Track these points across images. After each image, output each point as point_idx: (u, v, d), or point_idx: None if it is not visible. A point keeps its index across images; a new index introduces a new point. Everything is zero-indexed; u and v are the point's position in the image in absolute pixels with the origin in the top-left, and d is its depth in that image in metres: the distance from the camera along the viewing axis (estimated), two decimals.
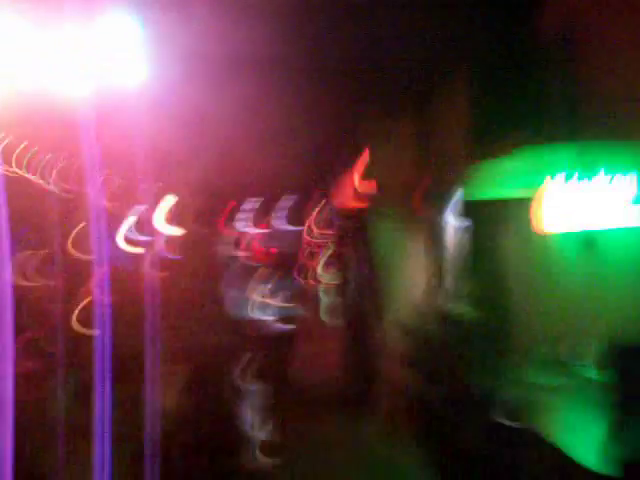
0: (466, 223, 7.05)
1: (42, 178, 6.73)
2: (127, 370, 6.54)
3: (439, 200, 7.08)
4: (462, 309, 6.74)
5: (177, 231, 11.06)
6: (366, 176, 8.59)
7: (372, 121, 8.45)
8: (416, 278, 8.15)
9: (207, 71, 6.80)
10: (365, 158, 8.62)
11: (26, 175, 6.69)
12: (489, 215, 6.69)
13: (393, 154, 8.35)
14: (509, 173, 5.55)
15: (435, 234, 7.81)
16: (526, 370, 6.08)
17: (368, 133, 8.48)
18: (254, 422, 7.65)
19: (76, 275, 7.24)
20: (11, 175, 6.55)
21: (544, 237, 6.07)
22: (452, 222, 7.41)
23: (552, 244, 6.25)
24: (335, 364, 10.06)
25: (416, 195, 7.52)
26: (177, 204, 10.92)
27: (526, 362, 6.37)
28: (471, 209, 6.81)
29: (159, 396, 7.13)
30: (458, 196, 6.55)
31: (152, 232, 12.03)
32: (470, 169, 6.07)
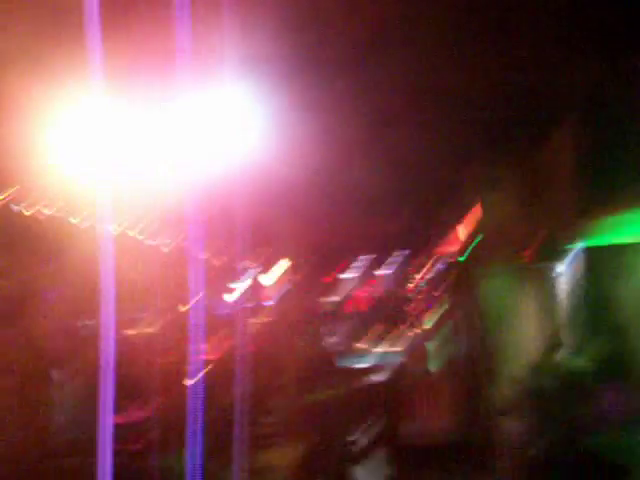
0: (581, 272, 6.82)
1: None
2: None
3: (552, 250, 6.90)
4: (579, 362, 6.48)
5: (288, 291, 11.34)
6: (477, 228, 8.50)
7: (482, 172, 8.39)
8: (529, 330, 7.91)
9: (315, 137, 6.98)
10: (475, 210, 8.55)
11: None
12: (606, 263, 6.46)
13: (504, 205, 8.23)
14: (626, 220, 5.35)
15: (549, 285, 7.60)
16: None
17: (478, 185, 8.42)
18: (360, 476, 7.57)
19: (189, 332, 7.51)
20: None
21: None
22: (566, 272, 7.19)
23: None
24: (446, 417, 9.86)
25: (528, 246, 7.36)
26: (290, 266, 11.22)
27: None
28: (586, 258, 6.59)
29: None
30: (572, 245, 6.36)
31: (264, 293, 12.41)
32: (585, 218, 5.90)
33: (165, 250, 4.50)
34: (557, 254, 7.00)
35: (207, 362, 7.14)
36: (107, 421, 3.21)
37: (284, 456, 7.05)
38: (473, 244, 8.76)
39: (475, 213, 8.63)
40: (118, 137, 5.14)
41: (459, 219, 9.20)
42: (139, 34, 4.93)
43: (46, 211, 5.90)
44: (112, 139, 4.83)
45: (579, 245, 6.40)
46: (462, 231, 9.10)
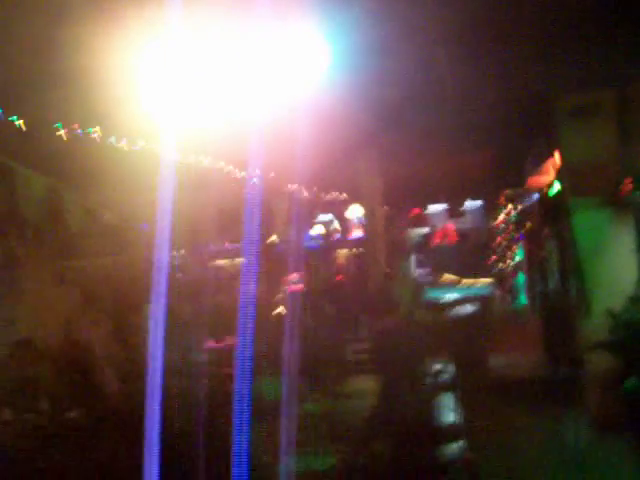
0: None
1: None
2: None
3: None
4: None
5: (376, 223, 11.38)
6: (570, 159, 8.19)
7: (577, 100, 8.02)
8: (624, 265, 7.66)
9: (396, 75, 6.85)
10: (569, 141, 8.21)
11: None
12: None
13: (599, 135, 7.87)
14: None
15: None
16: None
17: (572, 113, 8.06)
18: (445, 408, 7.62)
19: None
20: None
21: None
22: None
23: None
24: (534, 349, 9.76)
25: (625, 177, 7.04)
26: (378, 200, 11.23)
27: None
28: None
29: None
30: None
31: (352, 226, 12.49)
32: None
33: (254, 183, 4.56)
34: None
35: (298, 293, 7.31)
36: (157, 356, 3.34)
37: (371, 383, 7.20)
38: (566, 176, 8.46)
39: (569, 143, 8.29)
40: (196, 72, 5.22)
41: (552, 150, 8.87)
42: None
43: (134, 145, 6.08)
44: (189, 74, 4.90)
45: None
46: (554, 163, 8.78)
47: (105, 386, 6.54)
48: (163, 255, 3.53)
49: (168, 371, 3.39)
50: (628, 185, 6.96)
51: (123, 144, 6.35)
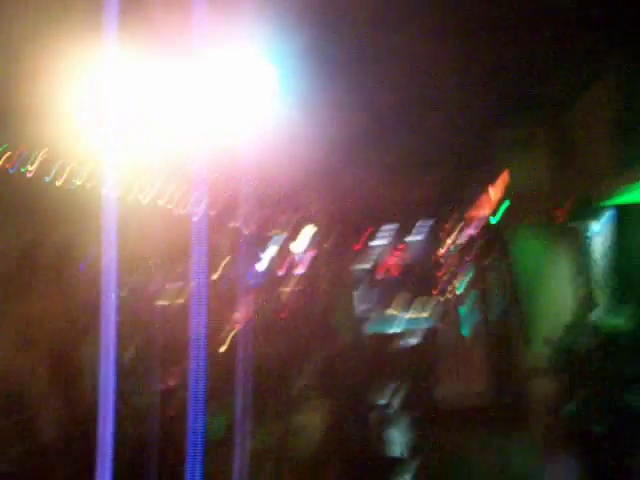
0: (615, 232, 6.75)
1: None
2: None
3: (585, 209, 6.83)
4: (613, 323, 6.44)
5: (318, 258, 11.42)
6: (508, 190, 8.44)
7: (513, 133, 8.32)
8: (563, 291, 7.89)
9: (344, 106, 6.95)
10: (507, 172, 8.48)
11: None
12: (635, 220, 6.40)
13: (536, 166, 8.16)
14: None
15: (582, 245, 7.55)
16: None
17: (509, 146, 8.34)
18: (393, 439, 7.65)
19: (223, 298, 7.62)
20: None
21: None
22: (600, 231, 7.12)
23: None
24: (479, 380, 9.90)
25: (561, 206, 7.29)
26: (317, 232, 11.29)
27: None
28: (620, 217, 6.53)
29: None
30: (606, 204, 6.30)
31: (294, 261, 12.50)
32: (619, 176, 5.83)
33: (194, 219, 4.55)
34: (591, 213, 6.93)
35: (240, 330, 7.24)
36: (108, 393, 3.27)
37: (316, 419, 7.17)
38: (505, 206, 8.70)
39: (506, 175, 8.56)
40: (137, 101, 5.17)
41: (490, 181, 9.14)
42: None
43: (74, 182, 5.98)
44: (131, 103, 4.86)
45: (613, 204, 6.33)
46: (493, 193, 9.04)
47: (44, 432, 6.30)
48: (109, 295, 3.47)
49: (119, 411, 3.31)
50: (564, 214, 7.21)
51: (62, 181, 6.24)
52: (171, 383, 6.23)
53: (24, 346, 7.32)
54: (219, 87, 5.47)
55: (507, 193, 8.49)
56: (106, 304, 3.42)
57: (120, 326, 3.45)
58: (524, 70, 6.67)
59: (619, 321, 6.37)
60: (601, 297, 7.13)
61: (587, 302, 7.45)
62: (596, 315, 6.80)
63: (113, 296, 3.44)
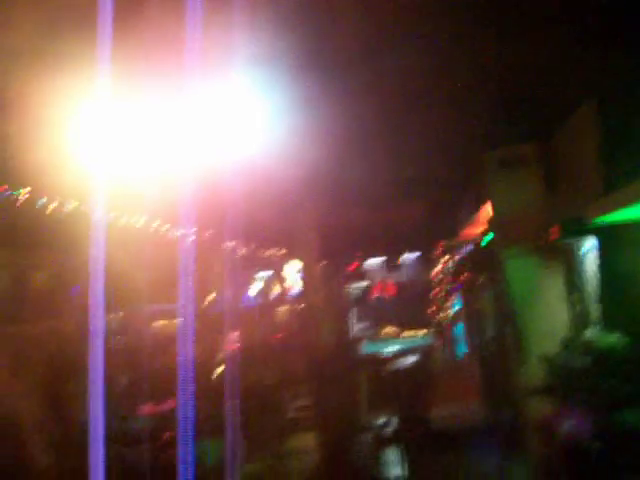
0: (607, 249, 6.76)
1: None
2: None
3: (577, 228, 6.84)
4: (604, 338, 6.43)
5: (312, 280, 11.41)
6: (499, 210, 8.47)
7: (502, 152, 8.37)
8: (556, 310, 7.89)
9: (324, 137, 7.01)
10: (498, 192, 8.51)
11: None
12: (631, 240, 6.40)
13: (526, 185, 8.19)
14: None
15: (574, 263, 7.56)
16: None
17: (499, 166, 8.38)
18: (388, 461, 7.59)
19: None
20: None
21: None
22: (591, 249, 7.14)
23: None
24: (473, 397, 9.86)
25: (552, 224, 7.30)
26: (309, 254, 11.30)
27: None
28: (612, 234, 6.53)
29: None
30: (597, 222, 6.31)
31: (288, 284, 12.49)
32: (610, 193, 5.84)
33: (187, 242, 4.54)
34: (582, 231, 6.95)
35: (235, 352, 7.21)
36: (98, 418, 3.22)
37: (313, 440, 7.12)
38: (496, 226, 8.72)
39: (498, 195, 8.58)
40: (128, 131, 5.19)
41: (481, 202, 9.17)
42: (147, 27, 4.96)
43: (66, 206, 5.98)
44: (121, 133, 4.87)
45: (604, 222, 6.34)
46: (485, 214, 9.07)
47: (37, 460, 6.23)
48: (98, 319, 3.44)
49: (109, 439, 3.27)
50: (555, 232, 7.22)
51: (54, 205, 6.24)
52: (161, 409, 6.18)
53: (14, 371, 7.28)
54: (208, 115, 5.50)
55: (497, 213, 8.51)
56: (94, 329, 3.40)
57: (110, 352, 3.43)
58: (511, 90, 6.73)
59: (612, 339, 6.36)
60: (594, 315, 7.12)
61: (580, 321, 7.45)
62: (589, 333, 6.79)
63: (101, 321, 3.42)
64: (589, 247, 7.23)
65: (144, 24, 4.78)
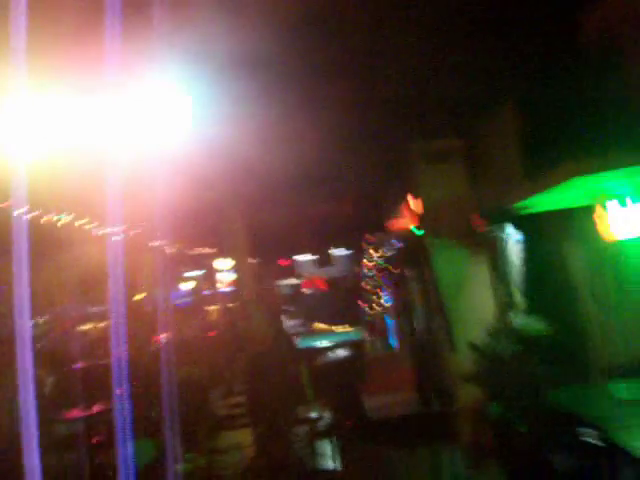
0: (531, 237, 6.99)
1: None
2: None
3: (501, 216, 7.05)
4: (530, 324, 6.65)
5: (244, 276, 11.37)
6: (426, 201, 8.62)
7: (426, 145, 8.52)
8: (481, 297, 8.09)
9: (251, 133, 7.00)
10: (423, 183, 8.66)
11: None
12: (554, 227, 6.64)
13: (450, 176, 8.37)
14: (575, 183, 5.49)
15: (500, 250, 7.76)
16: (602, 384, 5.96)
17: (423, 158, 8.54)
18: (322, 453, 7.64)
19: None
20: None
21: (610, 245, 6.00)
22: (516, 237, 7.36)
23: (619, 251, 6.15)
24: (405, 387, 10.00)
25: (478, 213, 7.50)
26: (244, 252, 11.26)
27: (601, 375, 6.25)
28: (535, 222, 6.77)
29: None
30: (521, 211, 6.52)
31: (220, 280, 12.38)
32: (532, 182, 6.05)
33: (117, 239, 4.45)
34: (504, 219, 7.16)
35: (168, 351, 7.10)
36: (30, 420, 3.13)
37: (247, 436, 7.09)
38: (424, 217, 8.87)
39: (425, 187, 8.74)
40: (53, 127, 5.04)
41: (409, 193, 9.31)
42: (68, 24, 4.83)
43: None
44: (46, 129, 4.73)
45: (528, 211, 6.56)
46: (413, 204, 9.21)
47: None
48: (24, 323, 3.32)
49: (41, 444, 3.16)
50: (478, 222, 7.41)
51: None
52: (96, 409, 6.04)
53: None
54: (135, 109, 5.39)
55: (425, 204, 8.67)
56: (21, 330, 3.28)
57: (38, 353, 3.32)
58: (438, 81, 6.87)
59: (538, 325, 6.58)
60: (519, 302, 7.35)
61: (506, 308, 7.67)
62: (515, 320, 7.00)
63: (28, 322, 3.31)
64: (514, 236, 7.46)
65: (64, 15, 4.65)
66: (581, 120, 5.93)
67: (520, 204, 6.32)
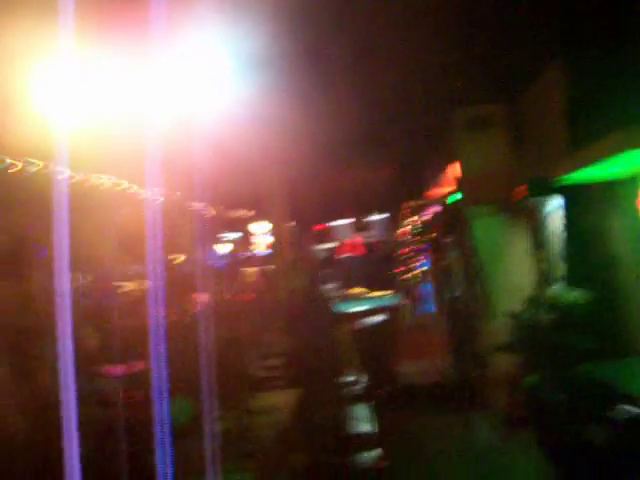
0: (572, 208, 6.87)
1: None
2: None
3: (542, 187, 6.92)
4: (568, 295, 6.57)
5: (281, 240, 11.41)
6: (466, 169, 8.52)
7: (468, 113, 8.39)
8: (522, 267, 8.02)
9: (292, 98, 6.96)
10: (464, 151, 8.55)
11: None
12: (595, 199, 6.51)
13: (492, 144, 8.24)
14: (617, 156, 5.34)
15: (540, 221, 7.66)
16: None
17: (465, 126, 8.41)
18: (358, 417, 7.71)
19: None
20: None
21: None
22: (557, 208, 7.24)
23: None
24: (441, 354, 10.02)
25: (518, 183, 7.38)
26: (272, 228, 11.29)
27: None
28: (576, 194, 6.64)
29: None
30: (562, 181, 6.39)
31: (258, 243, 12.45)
32: (575, 153, 5.91)
33: (157, 202, 4.51)
34: (547, 191, 7.04)
35: (206, 313, 7.21)
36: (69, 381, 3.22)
37: (284, 398, 7.20)
38: (463, 185, 8.79)
39: (465, 154, 8.63)
40: (93, 91, 5.09)
41: (448, 161, 9.22)
42: None
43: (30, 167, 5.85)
44: (86, 93, 4.78)
45: (569, 182, 6.43)
46: (452, 172, 9.12)
47: (9, 424, 6.20)
48: (64, 281, 3.40)
49: (81, 403, 3.26)
50: (521, 192, 7.30)
51: (18, 166, 6.10)
52: (133, 370, 6.18)
53: None
54: (175, 73, 5.41)
55: (465, 172, 8.57)
56: (60, 292, 3.36)
57: (77, 314, 3.41)
58: (480, 50, 6.73)
59: (575, 295, 6.50)
60: (558, 273, 7.27)
61: (545, 278, 7.59)
62: (553, 290, 6.93)
63: (67, 283, 3.39)
64: (554, 206, 7.34)
65: None
66: (632, 87, 5.75)
67: (564, 176, 6.19)
